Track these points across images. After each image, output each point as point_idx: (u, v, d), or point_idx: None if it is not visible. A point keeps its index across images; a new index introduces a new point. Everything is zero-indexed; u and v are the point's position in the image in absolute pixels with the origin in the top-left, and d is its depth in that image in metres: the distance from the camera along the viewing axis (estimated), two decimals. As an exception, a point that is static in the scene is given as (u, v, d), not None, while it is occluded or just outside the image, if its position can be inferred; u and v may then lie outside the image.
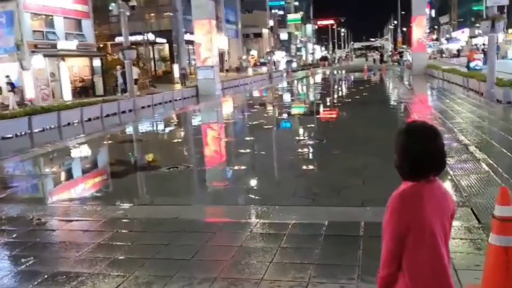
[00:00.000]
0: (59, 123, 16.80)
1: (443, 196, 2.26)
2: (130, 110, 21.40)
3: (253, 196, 6.89)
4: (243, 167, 8.94)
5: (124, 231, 5.62)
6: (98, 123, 18.07)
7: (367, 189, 7.06)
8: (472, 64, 30.15)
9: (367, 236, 4.96)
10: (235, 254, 4.67)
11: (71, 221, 6.09)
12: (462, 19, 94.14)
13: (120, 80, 29.53)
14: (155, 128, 17.31)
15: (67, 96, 28.69)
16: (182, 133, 15.80)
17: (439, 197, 2.24)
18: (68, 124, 17.06)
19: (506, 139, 9.94)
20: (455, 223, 4.99)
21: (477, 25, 74.56)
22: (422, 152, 2.13)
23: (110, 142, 13.88)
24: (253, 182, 7.96)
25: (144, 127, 17.57)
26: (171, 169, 9.02)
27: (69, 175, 9.91)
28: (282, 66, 61.31)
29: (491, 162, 7.80)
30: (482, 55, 31.68)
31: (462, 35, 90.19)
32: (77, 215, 6.37)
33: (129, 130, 17.07)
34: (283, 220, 5.59)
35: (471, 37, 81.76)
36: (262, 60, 65.59)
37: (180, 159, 10.30)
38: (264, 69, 54.60)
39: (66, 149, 12.63)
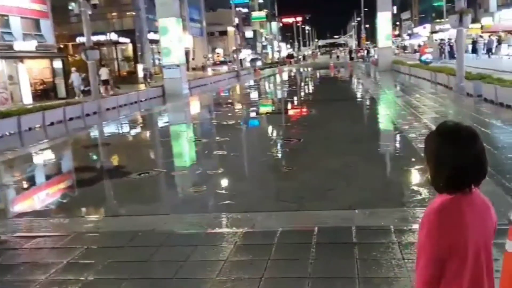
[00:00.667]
0: (19, 128, 15.90)
1: (485, 209, 1.87)
2: (95, 113, 20.56)
3: (233, 202, 6.46)
4: (219, 171, 8.49)
5: (95, 247, 5.11)
6: (61, 127, 17.23)
7: (352, 190, 6.75)
8: (423, 58, 32.90)
9: (361, 243, 4.63)
10: (222, 270, 4.25)
11: (35, 237, 5.51)
12: (423, 15, 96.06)
13: (75, 82, 28.58)
14: (122, 131, 16.64)
15: (27, 99, 27.46)
16: (151, 136, 15.20)
17: (481, 210, 1.86)
18: (30, 129, 16.17)
19: (481, 132, 9.87)
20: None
21: (438, 20, 76.36)
22: (461, 158, 1.75)
23: (75, 147, 13.18)
24: (232, 187, 7.52)
25: (111, 130, 16.86)
26: (142, 175, 8.50)
27: (32, 185, 9.19)
28: (247, 64, 60.75)
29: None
30: (432, 49, 36.76)
31: (423, 31, 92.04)
32: (42, 230, 5.79)
33: (95, 133, 16.33)
34: (269, 228, 5.21)
35: (432, 32, 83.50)
36: (222, 59, 63.92)
37: (151, 164, 9.79)
38: (224, 68, 52.65)
39: (27, 156, 11.84)
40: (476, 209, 1.82)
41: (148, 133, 15.96)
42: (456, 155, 1.71)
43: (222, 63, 57.59)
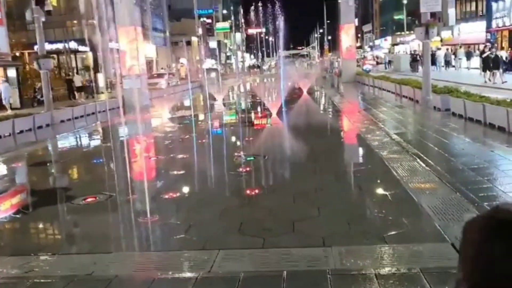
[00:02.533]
0: (-41, 144, 14.59)
1: None
2: (47, 125, 19.26)
3: (188, 237, 5.61)
4: (175, 195, 7.63)
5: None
6: (9, 141, 15.93)
7: (324, 219, 6.01)
8: (364, 67, 42.33)
9: (339, 293, 3.89)
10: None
11: None
12: (384, 28, 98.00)
13: (4, 94, 26.85)
14: (74, 146, 15.49)
15: (-23, 110, 25.73)
16: (105, 152, 14.10)
17: None
18: (-28, 144, 14.85)
19: (452, 147, 9.40)
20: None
21: (398, 33, 77.89)
22: None
23: (16, 165, 11.97)
24: (189, 215, 6.65)
25: (62, 144, 15.68)
26: (88, 199, 7.53)
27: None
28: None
29: (453, 180, 7.09)
30: (373, 61, 53.61)
31: (385, 43, 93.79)
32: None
33: (44, 148, 15.13)
34: (230, 272, 4.40)
35: (393, 44, 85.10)
36: (161, 71, 51.82)
37: (100, 186, 8.78)
38: (162, 82, 40.92)
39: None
40: None
41: (102, 149, 14.85)
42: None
43: (159, 76, 45.16)
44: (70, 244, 5.82)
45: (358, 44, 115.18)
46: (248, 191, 7.55)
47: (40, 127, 18.54)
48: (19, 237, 6.30)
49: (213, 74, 50.36)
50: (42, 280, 4.56)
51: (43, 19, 20.91)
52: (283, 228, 5.71)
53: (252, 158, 10.18)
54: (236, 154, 10.65)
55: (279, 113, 17.75)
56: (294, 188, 7.56)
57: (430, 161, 8.35)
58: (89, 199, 7.54)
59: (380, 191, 7.48)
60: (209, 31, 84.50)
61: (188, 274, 4.45)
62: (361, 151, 11.18)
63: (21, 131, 17.30)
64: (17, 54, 46.15)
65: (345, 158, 10.61)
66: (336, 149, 11.34)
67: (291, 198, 7.00)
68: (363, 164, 9.91)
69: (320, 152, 10.47)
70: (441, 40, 58.10)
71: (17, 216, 7.31)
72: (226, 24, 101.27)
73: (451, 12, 52.77)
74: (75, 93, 35.55)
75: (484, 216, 0.83)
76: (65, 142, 16.19)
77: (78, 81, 34.70)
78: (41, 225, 6.96)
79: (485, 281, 0.83)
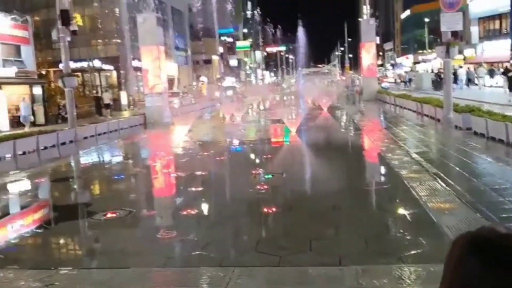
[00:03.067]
0: (-14, 159, 14.99)
1: None
2: (71, 141, 19.65)
3: (205, 253, 5.65)
4: (193, 211, 7.69)
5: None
6: (33, 157, 16.29)
7: (342, 239, 5.99)
8: (383, 85, 44.77)
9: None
10: None
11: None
12: (405, 46, 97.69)
13: (24, 112, 27.13)
14: (97, 162, 15.75)
15: (4, 126, 26.41)
16: (127, 168, 14.32)
17: None
18: (-1, 159, 15.25)
19: (474, 167, 9.28)
20: None
21: (420, 51, 77.54)
22: None
23: (40, 180, 12.22)
24: (206, 232, 6.70)
25: (85, 160, 15.97)
26: (108, 215, 7.65)
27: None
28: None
29: (474, 200, 7.00)
30: (390, 79, 58.04)
31: (406, 61, 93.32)
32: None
33: (67, 165, 15.43)
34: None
35: (415, 63, 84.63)
36: (175, 90, 48.57)
37: (120, 201, 8.91)
38: (176, 101, 38.42)
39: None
40: None
41: (124, 165, 15.09)
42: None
43: (174, 94, 42.61)
44: (90, 259, 5.90)
45: (380, 62, 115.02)
46: (265, 209, 7.56)
47: (63, 143, 18.91)
48: (40, 251, 6.42)
49: (232, 92, 51.03)
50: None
51: (68, 38, 21.46)
52: (299, 246, 5.70)
53: (270, 176, 10.21)
54: (254, 171, 10.69)
55: (299, 130, 17.78)
56: (312, 206, 7.55)
57: (450, 181, 8.26)
58: (110, 215, 7.65)
59: (399, 210, 7.42)
60: (229, 49, 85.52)
61: (206, 291, 4.49)
62: (380, 170, 11.11)
63: (45, 147, 17.68)
64: (43, 72, 47.41)
65: (364, 177, 10.55)
66: (355, 167, 11.29)
67: (308, 216, 6.99)
68: (382, 183, 9.84)
69: (339, 171, 10.44)
70: (464, 59, 57.63)
71: (39, 230, 7.46)
72: (247, 43, 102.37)
73: (474, 30, 52.42)
74: (102, 110, 36.55)
75: (468, 233, 0.87)
76: (88, 158, 16.48)
77: (107, 98, 35.92)
78: (62, 240, 7.08)
79: None
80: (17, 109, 34.39)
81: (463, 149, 11.71)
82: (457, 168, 9.69)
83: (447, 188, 7.82)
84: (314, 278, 4.63)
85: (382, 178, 10.34)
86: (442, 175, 8.75)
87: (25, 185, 11.65)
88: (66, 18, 20.64)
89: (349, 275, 4.65)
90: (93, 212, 8.01)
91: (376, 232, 6.15)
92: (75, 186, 11.48)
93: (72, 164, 15.64)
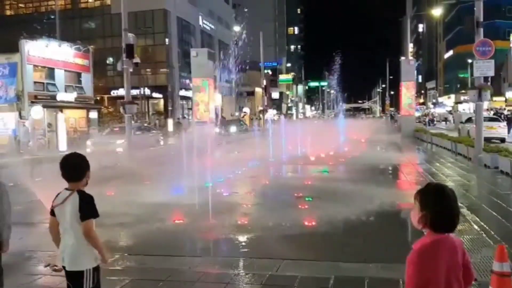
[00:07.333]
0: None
1: (455, 249, 2.62)
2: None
3: (260, 250, 7.25)
4: (246, 222, 9.28)
5: (139, 279, 5.94)
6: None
7: (367, 247, 7.43)
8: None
9: (372, 291, 5.30)
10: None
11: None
12: (448, 85, 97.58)
13: (23, 138, 27.41)
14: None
15: (63, 146, 29.03)
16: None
17: (452, 251, 2.61)
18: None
19: (495, 203, 10.47)
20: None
21: (463, 91, 77.56)
22: (451, 208, 2.53)
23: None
24: (259, 236, 8.27)
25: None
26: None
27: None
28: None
29: (482, 223, 8.28)
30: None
31: (448, 101, 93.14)
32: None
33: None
34: (291, 273, 5.94)
35: (456, 102, 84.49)
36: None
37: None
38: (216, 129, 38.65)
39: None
40: (448, 250, 2.59)
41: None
42: (448, 206, 2.53)
43: (222, 121, 47.47)
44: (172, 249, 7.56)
45: (422, 100, 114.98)
46: (306, 222, 9.04)
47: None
48: (137, 243, 8.13)
49: (275, 123, 53.18)
50: (152, 270, 6.27)
51: (131, 70, 23.83)
52: (333, 250, 7.20)
53: (310, 198, 11.69)
54: (295, 194, 12.17)
55: (336, 162, 19.17)
56: (344, 221, 8.97)
57: (477, 218, 9.44)
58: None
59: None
60: (272, 82, 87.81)
61: (260, 272, 6.04)
62: (406, 204, 12.26)
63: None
64: (98, 97, 50.66)
65: (390, 210, 11.42)
66: (385, 198, 12.21)
67: (342, 228, 8.47)
68: (407, 216, 11.04)
69: (368, 200, 11.44)
70: (506, 100, 57.57)
71: (133, 228, 9.17)
72: (289, 76, 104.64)
73: (517, 72, 52.71)
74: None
75: (429, 185, 2.60)
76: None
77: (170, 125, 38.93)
78: (151, 236, 8.79)
79: (434, 211, 2.51)
80: (75, 131, 37.21)
81: (483, 184, 12.95)
82: (478, 201, 10.88)
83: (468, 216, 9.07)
84: (344, 270, 6.10)
85: (407, 214, 11.54)
86: (462, 204, 10.02)
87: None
88: (130, 51, 23.05)
89: (371, 269, 6.08)
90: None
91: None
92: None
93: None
